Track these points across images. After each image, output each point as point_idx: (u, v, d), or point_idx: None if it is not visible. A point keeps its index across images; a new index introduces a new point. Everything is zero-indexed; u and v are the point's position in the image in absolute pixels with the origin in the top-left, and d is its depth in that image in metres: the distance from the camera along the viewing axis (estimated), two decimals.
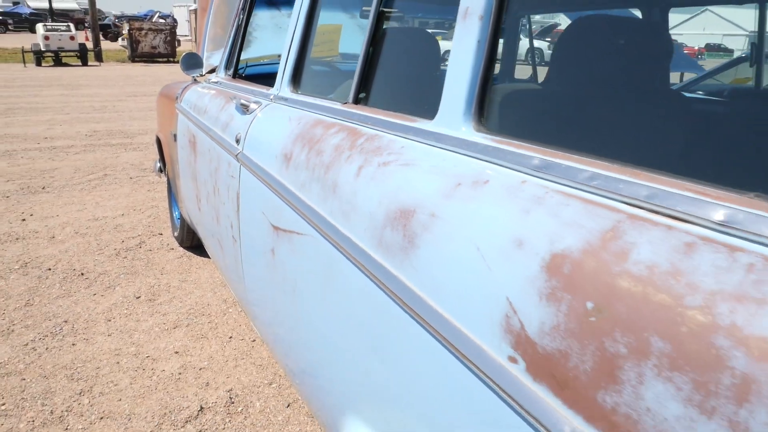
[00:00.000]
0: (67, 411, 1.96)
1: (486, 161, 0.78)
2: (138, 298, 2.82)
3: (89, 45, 19.27)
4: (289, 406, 2.03)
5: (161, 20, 26.84)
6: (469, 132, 0.85)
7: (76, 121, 7.94)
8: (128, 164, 5.58)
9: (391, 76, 1.22)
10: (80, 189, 4.68)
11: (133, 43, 19.63)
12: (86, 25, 25.64)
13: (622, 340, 0.50)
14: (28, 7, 43.50)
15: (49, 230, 3.70)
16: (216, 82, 2.47)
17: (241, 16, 2.31)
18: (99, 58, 19.81)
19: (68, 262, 3.20)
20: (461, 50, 0.88)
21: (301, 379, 1.32)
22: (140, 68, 17.80)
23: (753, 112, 1.22)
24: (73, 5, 44.94)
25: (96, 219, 3.96)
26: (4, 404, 1.98)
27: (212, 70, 2.89)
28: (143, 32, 19.76)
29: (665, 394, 0.46)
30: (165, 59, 20.24)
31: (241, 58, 2.35)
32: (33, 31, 20.14)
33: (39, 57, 17.05)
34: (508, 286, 0.62)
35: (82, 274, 3.07)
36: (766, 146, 0.93)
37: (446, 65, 0.93)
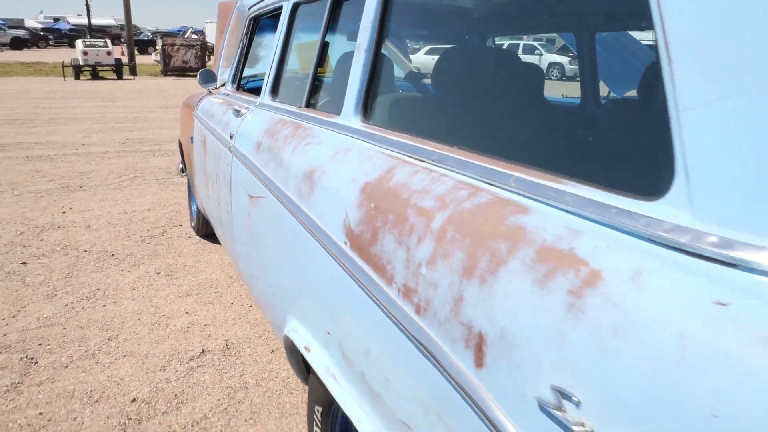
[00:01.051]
0: (98, 350, 2.49)
1: (357, 138, 1.27)
2: (158, 273, 3.36)
3: (125, 60, 20.33)
4: (273, 351, 2.52)
5: (194, 36, 28.00)
6: (357, 123, 1.34)
7: (111, 130, 8.65)
8: (156, 168, 6.19)
9: (327, 87, 1.72)
10: (113, 188, 5.29)
11: (166, 57, 20.63)
12: (122, 40, 26.89)
13: (381, 220, 0.99)
14: (68, 23, 45.57)
15: (85, 221, 4.29)
16: (225, 94, 3.01)
17: (245, 40, 2.85)
18: (133, 72, 20.88)
19: (101, 246, 3.77)
20: (356, 70, 1.37)
21: (262, 297, 1.83)
22: (171, 82, 18.76)
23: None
24: (111, 21, 46.79)
25: (126, 213, 4.54)
26: (49, 344, 2.52)
27: (224, 84, 3.44)
28: (175, 47, 20.76)
29: (394, 242, 0.94)
30: (195, 73, 21.21)
31: (244, 74, 2.89)
32: (72, 46, 21.35)
33: (78, 71, 18.10)
34: (347, 203, 1.11)
35: (113, 255, 3.63)
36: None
37: None
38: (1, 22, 39.07)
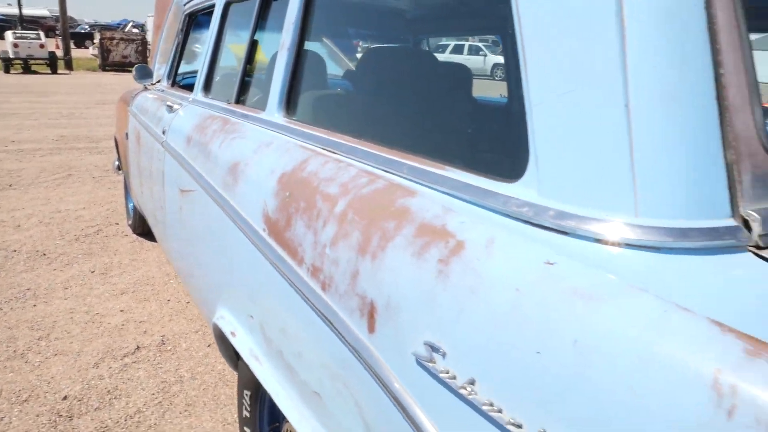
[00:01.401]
0: (27, 350, 2.45)
1: (278, 133, 1.34)
2: (92, 272, 3.31)
3: (59, 53, 19.50)
4: (209, 345, 2.55)
5: (134, 30, 27.10)
6: (279, 118, 1.41)
7: (44, 126, 8.32)
8: (92, 166, 6.03)
9: (255, 84, 1.78)
10: (45, 186, 5.12)
11: (104, 52, 19.92)
12: (57, 33, 25.75)
13: (294, 207, 1.06)
14: None
15: (15, 220, 4.16)
16: (160, 90, 3.00)
17: (180, 36, 2.86)
18: (69, 66, 20.05)
19: (32, 245, 3.67)
20: (279, 69, 1.44)
21: (194, 289, 1.87)
22: (110, 77, 18.13)
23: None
24: (44, 12, 44.61)
25: (59, 211, 4.42)
26: None
27: (160, 80, 3.42)
28: (114, 42, 20.08)
29: (304, 226, 1.02)
30: None
31: (180, 70, 2.90)
32: (2, 37, 20.31)
33: (7, 64, 17.25)
34: (266, 193, 1.19)
35: (45, 254, 3.54)
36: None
37: None
38: None
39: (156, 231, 2.67)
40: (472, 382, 0.64)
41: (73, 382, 2.24)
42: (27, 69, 17.98)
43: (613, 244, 0.61)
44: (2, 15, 41.47)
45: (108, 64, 20.09)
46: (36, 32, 18.31)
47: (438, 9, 2.20)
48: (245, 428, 1.56)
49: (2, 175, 5.43)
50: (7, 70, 17.38)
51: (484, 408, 0.62)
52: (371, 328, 0.81)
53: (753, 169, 0.62)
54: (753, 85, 0.65)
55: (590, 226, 0.63)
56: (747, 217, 0.61)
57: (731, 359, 0.47)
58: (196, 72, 3.13)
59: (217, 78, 2.15)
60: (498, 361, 0.62)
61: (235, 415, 2.09)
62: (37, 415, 2.03)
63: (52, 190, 5.00)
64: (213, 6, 2.24)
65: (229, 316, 1.44)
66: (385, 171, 0.94)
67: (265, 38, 1.83)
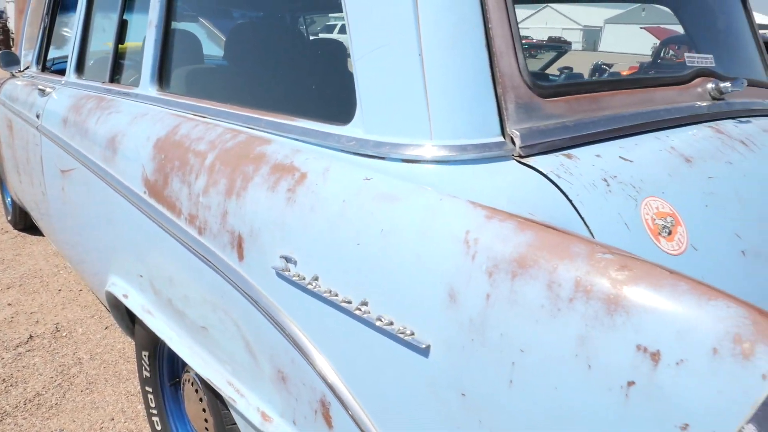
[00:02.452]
0: None
1: (152, 105, 1.44)
2: None
3: None
4: (107, 328, 2.57)
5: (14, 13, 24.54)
6: (152, 91, 1.50)
7: None
8: None
9: (128, 62, 1.84)
10: None
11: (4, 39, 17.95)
12: None
13: (170, 166, 1.18)
14: None
15: None
16: (30, 76, 2.90)
17: (46, 20, 2.78)
18: None
19: None
20: (148, 46, 1.52)
21: (84, 266, 1.92)
22: None
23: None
24: None
25: None
26: None
27: (29, 66, 3.28)
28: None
29: (180, 181, 1.14)
30: None
31: (49, 54, 2.82)
32: None
33: None
34: (144, 158, 1.29)
35: None
36: None
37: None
38: None
39: (39, 219, 2.62)
40: (316, 278, 0.82)
41: None
42: None
43: (414, 161, 0.81)
44: None
45: None
46: None
47: None
48: (147, 388, 1.66)
49: None
50: None
51: (325, 295, 0.80)
52: (240, 257, 0.96)
53: (516, 99, 0.84)
54: (516, 36, 0.86)
55: (399, 150, 0.82)
56: (512, 135, 0.82)
57: (476, 222, 0.67)
58: (66, 56, 3.07)
59: (90, 61, 2.16)
60: (332, 258, 0.80)
61: (138, 387, 2.16)
62: None
63: None
64: None
65: (119, 281, 1.53)
66: (246, 127, 1.09)
67: (134, 18, 1.89)
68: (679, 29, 1.72)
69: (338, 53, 1.49)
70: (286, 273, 0.86)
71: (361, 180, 0.81)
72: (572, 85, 0.96)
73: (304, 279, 0.83)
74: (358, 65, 0.89)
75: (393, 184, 0.78)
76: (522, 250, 0.60)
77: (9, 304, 2.78)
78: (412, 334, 0.68)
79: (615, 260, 0.55)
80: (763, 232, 0.95)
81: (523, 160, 0.81)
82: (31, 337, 2.48)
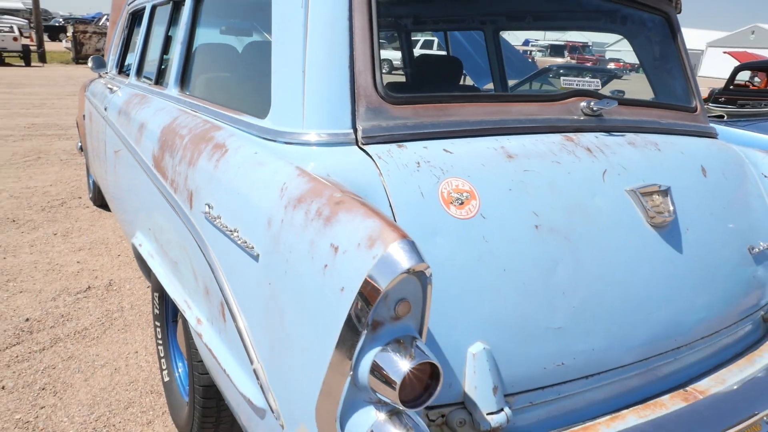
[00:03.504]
0: (0, 288, 2.98)
1: (170, 102, 1.90)
2: (55, 234, 3.83)
3: (33, 46, 19.65)
4: (148, 286, 3.10)
5: (108, 23, 27.14)
6: (174, 92, 1.96)
7: (16, 115, 8.72)
8: (60, 150, 6.49)
9: (167, 69, 2.33)
10: (16, 168, 5.59)
11: (77, 45, 20.11)
12: (31, 26, 25.75)
13: (166, 145, 1.63)
14: None
15: None
16: (111, 78, 3.52)
17: (125, 32, 3.38)
18: (43, 59, 20.21)
19: (3, 214, 4.17)
20: (174, 57, 1.99)
21: (127, 229, 2.43)
22: (83, 70, 18.35)
23: None
24: (18, 5, 43.99)
25: (28, 188, 4.91)
26: None
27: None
28: (87, 35, 20.27)
29: (169, 156, 1.58)
30: None
31: (126, 61, 3.42)
32: None
33: None
34: (154, 140, 1.74)
35: (14, 221, 4.05)
36: None
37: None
38: None
39: (105, 195, 3.21)
40: (219, 217, 1.22)
41: (34, 310, 2.77)
42: (1, 62, 18.14)
43: (290, 143, 1.19)
44: None
45: (81, 56, 20.27)
46: (9, 25, 18.45)
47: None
48: (156, 323, 2.11)
49: None
50: None
51: (223, 229, 1.19)
52: (191, 207, 1.38)
53: (367, 104, 1.20)
54: (376, 59, 1.22)
55: (284, 136, 1.21)
56: (358, 129, 1.18)
57: (290, 178, 1.04)
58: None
59: (147, 67, 2.69)
60: (228, 203, 1.19)
61: None
62: (4, 330, 2.56)
63: (22, 171, 5.47)
64: (143, 8, 2.77)
65: (139, 235, 2.00)
66: (213, 118, 1.51)
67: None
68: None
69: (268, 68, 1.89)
70: (207, 215, 1.27)
71: (252, 154, 1.20)
72: (422, 97, 1.29)
73: (215, 218, 1.23)
74: (272, 78, 1.28)
75: (266, 157, 1.17)
76: (301, 193, 0.97)
77: (78, 262, 3.39)
78: (253, 247, 1.06)
79: (338, 197, 0.91)
80: (569, 215, 1.24)
81: (363, 147, 1.16)
82: (89, 287, 3.05)
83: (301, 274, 0.92)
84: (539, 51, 34.09)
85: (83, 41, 20.12)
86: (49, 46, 24.19)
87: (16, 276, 3.14)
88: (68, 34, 22.07)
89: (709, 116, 4.45)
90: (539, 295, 1.14)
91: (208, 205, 1.27)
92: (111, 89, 2.85)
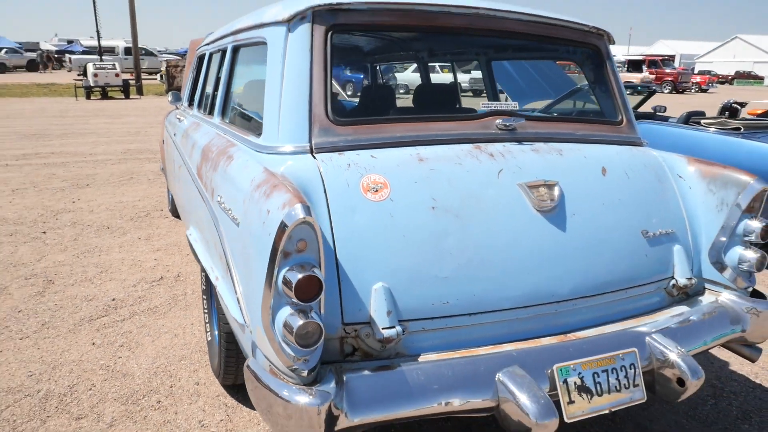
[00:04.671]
0: (93, 277, 3.78)
1: (213, 128, 2.57)
2: (139, 238, 4.66)
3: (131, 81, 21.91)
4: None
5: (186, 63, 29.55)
6: (218, 120, 2.63)
7: (115, 142, 10.04)
8: (149, 171, 7.53)
9: (215, 104, 3.02)
10: (113, 186, 6.62)
11: (170, 78, 22.18)
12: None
13: (204, 158, 2.28)
14: (81, 45, 47.52)
15: (90, 207, 5.61)
16: (183, 110, 4.33)
17: (194, 72, 4.17)
18: (140, 92, 22.46)
19: (100, 222, 5.08)
20: (220, 93, 2.66)
21: (188, 229, 3.11)
22: None
23: None
24: (121, 43, 48.42)
25: (121, 202, 5.86)
26: (61, 274, 3.81)
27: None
28: (178, 69, 22.31)
29: (206, 166, 2.23)
30: None
31: (194, 95, 4.21)
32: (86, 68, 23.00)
33: (88, 91, 19.67)
34: (197, 154, 2.40)
35: (108, 227, 4.94)
36: None
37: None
38: (18, 45, 41.02)
39: (177, 199, 3.97)
40: (224, 202, 1.82)
41: (119, 293, 3.53)
42: (104, 95, 20.38)
43: (269, 153, 1.78)
44: (85, 47, 45.55)
45: (173, 89, 22.33)
46: (112, 63, 20.73)
47: None
48: (203, 296, 2.76)
49: (82, 177, 6.99)
50: (88, 97, 19.81)
51: (225, 210, 1.80)
52: (212, 199, 2.00)
53: (319, 126, 1.77)
54: (327, 94, 1.79)
55: (267, 149, 1.80)
56: (312, 143, 1.75)
57: (258, 175, 1.63)
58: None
59: (205, 101, 3.42)
60: (229, 192, 1.80)
61: None
62: (96, 306, 3.33)
63: (117, 188, 6.48)
64: (205, 54, 3.52)
65: (191, 228, 2.67)
66: (232, 138, 2.14)
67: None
68: None
69: (263, 103, 2.47)
70: (219, 203, 1.88)
71: (245, 161, 1.81)
72: (361, 119, 1.84)
73: (221, 204, 1.84)
74: (264, 109, 1.88)
75: (251, 163, 1.77)
76: (259, 182, 1.55)
77: (155, 259, 4.16)
78: (236, 218, 1.65)
79: (275, 183, 1.48)
80: (462, 201, 1.73)
81: (314, 155, 1.73)
82: (161, 277, 3.80)
83: (254, 228, 1.50)
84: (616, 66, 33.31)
85: (174, 75, 22.14)
86: (146, 81, 26.73)
87: (107, 268, 3.95)
88: (162, 69, 24.32)
89: (726, 128, 4.66)
90: (430, 253, 1.65)
91: (220, 196, 1.88)
92: (179, 119, 3.61)
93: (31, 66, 36.47)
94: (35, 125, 12.09)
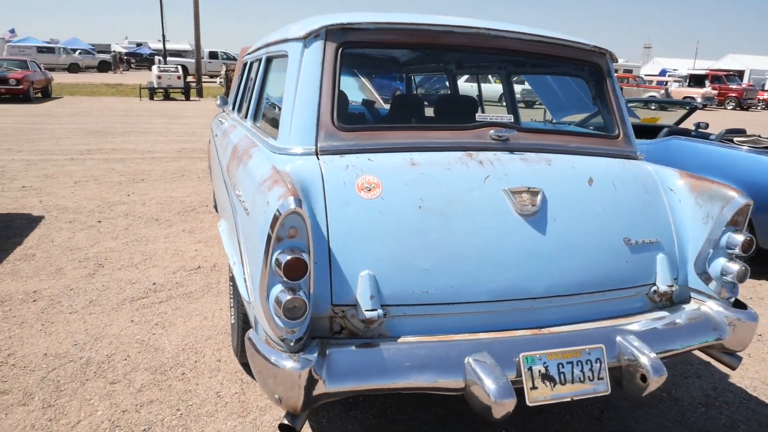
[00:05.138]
0: (139, 263, 4.15)
1: (244, 129, 2.85)
2: (184, 231, 5.04)
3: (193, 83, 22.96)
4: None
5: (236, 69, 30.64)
6: (250, 123, 2.91)
7: (172, 141, 10.65)
8: (200, 170, 8.00)
9: (250, 108, 3.31)
10: (165, 182, 7.10)
11: (228, 81, 23.11)
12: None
13: (233, 156, 2.56)
14: (149, 48, 49.91)
15: (142, 200, 6.07)
16: (227, 113, 4.67)
17: (239, 78, 4.51)
18: (200, 94, 23.49)
19: (150, 215, 5.51)
20: (253, 99, 2.95)
21: (221, 219, 3.42)
22: None
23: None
24: (186, 47, 50.50)
25: (171, 197, 6.30)
26: (111, 259, 4.20)
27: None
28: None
29: (233, 163, 2.51)
30: None
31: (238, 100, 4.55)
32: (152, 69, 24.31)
33: (152, 92, 20.76)
34: (228, 153, 2.69)
35: (157, 220, 5.35)
36: None
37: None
38: (91, 47, 43.50)
39: (216, 195, 4.31)
40: (241, 196, 2.08)
41: (160, 278, 3.88)
42: (167, 96, 21.46)
43: (282, 154, 2.03)
44: (153, 50, 47.80)
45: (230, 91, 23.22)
46: (176, 66, 21.80)
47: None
48: (230, 282, 3.04)
49: (138, 173, 7.52)
50: (151, 98, 20.91)
51: (241, 202, 2.05)
52: (234, 192, 2.27)
53: (326, 131, 2.01)
54: (334, 103, 2.03)
55: (281, 150, 2.05)
56: (318, 146, 1.99)
57: (268, 171, 1.87)
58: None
59: (244, 105, 3.73)
60: (245, 186, 2.06)
61: None
62: (138, 289, 3.68)
63: (169, 184, 6.95)
64: (247, 62, 3.83)
65: (221, 220, 2.96)
66: (256, 140, 2.41)
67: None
68: None
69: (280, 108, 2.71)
70: (238, 197, 2.14)
71: (260, 159, 2.06)
72: (363, 126, 2.06)
73: (239, 197, 2.10)
74: (281, 114, 2.14)
75: (264, 162, 2.01)
76: (265, 178, 1.79)
77: (195, 250, 4.51)
78: (247, 209, 1.90)
79: (277, 178, 1.72)
80: (447, 202, 1.92)
81: (319, 156, 1.96)
82: (199, 267, 4.13)
83: (257, 217, 1.75)
84: (676, 81, 32.31)
85: (232, 78, 23.04)
86: (206, 83, 27.90)
87: (152, 256, 4.32)
88: (221, 72, 25.35)
89: (758, 147, 4.63)
90: (414, 247, 1.85)
91: (239, 190, 2.15)
92: (221, 121, 3.94)
93: (102, 66, 38.64)
94: (101, 123, 12.94)
